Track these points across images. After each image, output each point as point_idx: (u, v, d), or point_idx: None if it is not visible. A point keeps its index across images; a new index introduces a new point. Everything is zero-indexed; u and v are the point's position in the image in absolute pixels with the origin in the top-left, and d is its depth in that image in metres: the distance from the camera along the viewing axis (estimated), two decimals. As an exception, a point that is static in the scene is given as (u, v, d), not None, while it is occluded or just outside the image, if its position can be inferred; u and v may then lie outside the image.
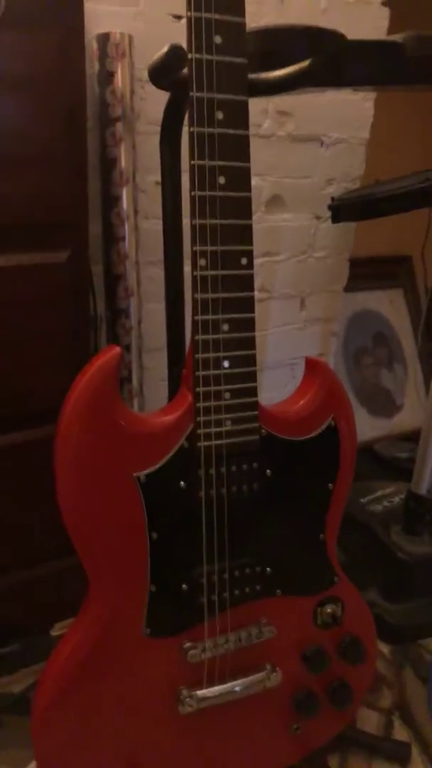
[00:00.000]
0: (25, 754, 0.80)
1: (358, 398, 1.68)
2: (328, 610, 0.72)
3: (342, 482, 0.70)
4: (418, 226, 1.63)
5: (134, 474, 0.60)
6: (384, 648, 1.03)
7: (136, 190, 1.03)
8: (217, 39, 0.55)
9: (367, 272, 1.67)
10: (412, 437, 1.67)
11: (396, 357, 1.77)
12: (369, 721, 0.90)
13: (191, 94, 0.55)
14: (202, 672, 0.66)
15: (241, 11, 0.56)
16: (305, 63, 0.58)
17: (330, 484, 0.70)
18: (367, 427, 1.66)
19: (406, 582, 1.09)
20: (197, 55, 0.55)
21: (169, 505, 0.62)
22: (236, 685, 0.67)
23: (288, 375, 1.45)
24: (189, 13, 0.55)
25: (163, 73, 0.65)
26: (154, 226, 1.07)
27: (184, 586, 0.64)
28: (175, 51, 0.62)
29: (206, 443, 0.62)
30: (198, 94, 0.56)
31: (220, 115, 0.56)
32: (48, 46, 0.73)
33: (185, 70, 0.55)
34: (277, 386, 1.42)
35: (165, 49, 0.63)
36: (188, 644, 0.65)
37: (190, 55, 0.55)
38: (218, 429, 0.62)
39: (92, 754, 0.65)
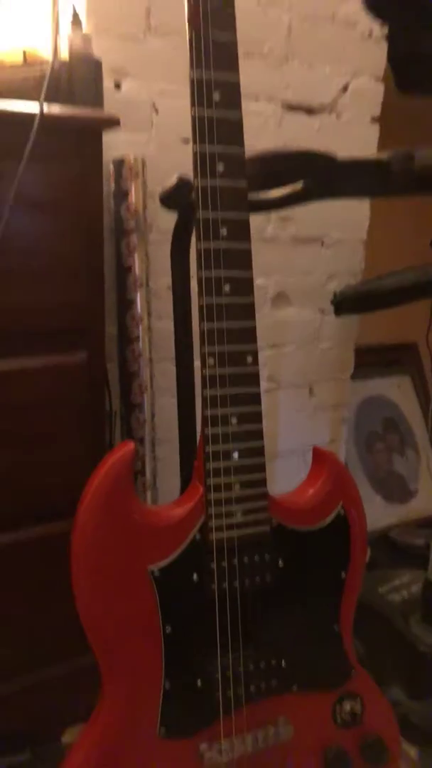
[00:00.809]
0: None
1: (372, 484, 1.68)
2: (347, 708, 0.70)
3: (354, 570, 0.71)
4: (421, 314, 1.70)
5: (148, 567, 0.61)
6: (410, 750, 0.98)
7: (149, 293, 1.10)
8: (220, 167, 0.62)
9: (374, 359, 1.73)
10: (428, 523, 1.66)
11: (407, 442, 1.78)
12: None
13: (198, 214, 0.62)
14: (220, 776, 0.64)
15: (240, 142, 0.63)
16: (299, 184, 0.65)
17: (342, 573, 0.70)
18: (381, 513, 1.65)
19: (430, 677, 1.05)
20: (203, 182, 0.62)
21: (182, 599, 0.63)
22: (255, 790, 0.65)
23: (301, 463, 1.46)
24: (195, 147, 0.62)
25: (172, 199, 0.72)
26: (166, 325, 1.14)
27: (198, 682, 0.64)
28: (182, 181, 0.69)
29: (218, 535, 0.64)
30: (204, 215, 0.62)
31: (224, 232, 0.63)
32: (70, 173, 0.82)
33: (192, 196, 0.62)
34: (290, 475, 1.43)
35: (173, 180, 0.70)
36: (205, 746, 0.64)
37: (195, 182, 0.62)
38: (229, 521, 0.64)
39: None
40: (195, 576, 0.63)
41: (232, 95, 0.61)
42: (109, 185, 1.05)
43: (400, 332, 1.81)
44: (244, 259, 0.64)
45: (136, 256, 1.05)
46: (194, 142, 0.62)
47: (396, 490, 1.71)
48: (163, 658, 0.62)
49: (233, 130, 0.63)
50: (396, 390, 1.81)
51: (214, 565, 0.63)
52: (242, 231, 0.64)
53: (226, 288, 0.63)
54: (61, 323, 0.84)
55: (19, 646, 0.91)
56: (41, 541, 0.88)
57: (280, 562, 0.67)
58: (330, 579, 0.70)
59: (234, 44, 0.61)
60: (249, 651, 0.65)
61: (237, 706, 0.65)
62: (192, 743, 0.64)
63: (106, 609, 0.61)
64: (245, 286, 0.64)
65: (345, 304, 1.24)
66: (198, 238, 0.63)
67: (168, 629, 0.62)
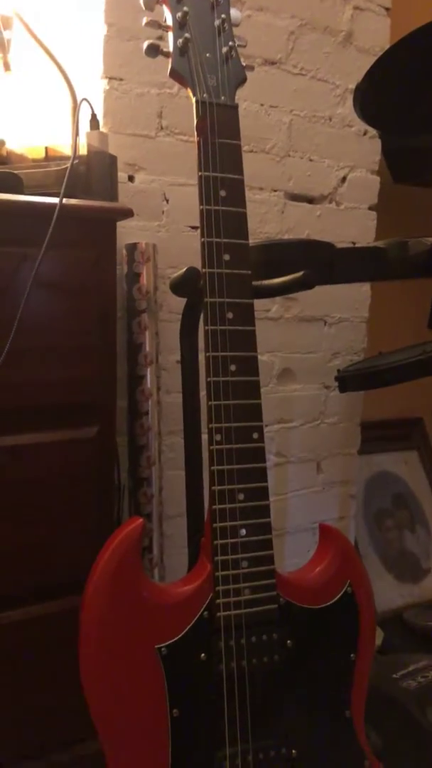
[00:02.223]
0: None
1: (384, 563, 1.65)
2: (361, 802, 0.67)
3: (364, 652, 0.69)
4: (426, 389, 1.72)
5: (156, 646, 0.61)
6: None
7: (159, 369, 1.14)
8: (226, 257, 0.67)
9: (380, 435, 1.74)
10: (442, 603, 1.61)
11: (418, 518, 1.76)
12: None
13: (205, 299, 0.66)
14: None
15: (244, 235, 0.68)
16: (299, 273, 0.69)
17: (352, 654, 0.69)
18: (395, 593, 1.61)
19: (450, 772, 1.00)
20: (210, 270, 0.66)
21: (189, 679, 0.62)
22: None
23: (310, 540, 1.45)
24: (203, 239, 0.67)
25: (182, 288, 0.77)
26: (175, 399, 1.17)
27: (206, 772, 0.61)
28: (190, 272, 0.74)
29: (225, 613, 0.63)
30: (211, 300, 0.66)
31: (230, 315, 0.66)
32: (86, 259, 0.87)
33: (200, 283, 0.66)
34: (300, 552, 1.41)
35: (182, 271, 0.75)
36: None
37: (203, 270, 0.66)
38: (237, 598, 0.64)
39: None
40: (202, 655, 0.62)
41: (237, 192, 0.67)
42: (122, 268, 1.11)
43: (405, 407, 1.83)
44: (249, 341, 0.67)
45: (147, 334, 1.09)
46: (202, 234, 0.67)
47: (408, 568, 1.68)
48: (170, 746, 0.60)
49: (238, 224, 0.68)
50: (404, 465, 1.81)
51: (222, 644, 0.63)
52: (247, 314, 0.67)
53: (233, 367, 0.66)
54: (75, 398, 0.86)
55: (22, 730, 0.88)
56: (46, 619, 0.87)
57: (289, 642, 0.66)
58: (339, 660, 0.69)
59: (238, 148, 0.67)
60: (258, 738, 0.63)
61: (246, 799, 0.62)
62: None
63: (113, 687, 0.60)
64: (250, 366, 0.67)
65: (349, 381, 1.27)
66: (206, 321, 0.66)
67: (175, 712, 0.61)
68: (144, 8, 0.69)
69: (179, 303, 0.97)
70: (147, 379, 1.10)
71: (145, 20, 0.69)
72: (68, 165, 0.85)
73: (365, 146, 1.41)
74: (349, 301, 1.44)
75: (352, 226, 1.42)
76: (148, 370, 1.10)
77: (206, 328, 0.66)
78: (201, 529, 0.98)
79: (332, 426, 1.47)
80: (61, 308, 0.85)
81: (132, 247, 1.11)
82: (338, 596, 0.69)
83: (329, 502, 1.49)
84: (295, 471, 1.43)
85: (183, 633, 0.62)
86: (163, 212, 1.19)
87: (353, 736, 0.68)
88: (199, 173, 0.66)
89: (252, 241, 0.70)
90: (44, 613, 0.86)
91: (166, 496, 1.16)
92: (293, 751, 0.65)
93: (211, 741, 0.62)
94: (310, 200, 1.37)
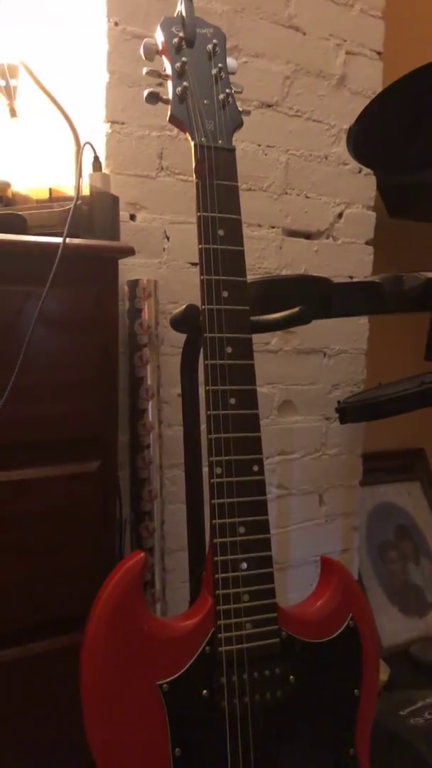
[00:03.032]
0: None
1: (388, 596, 1.63)
2: None
3: (368, 687, 0.69)
4: (427, 420, 1.73)
5: (157, 682, 0.60)
6: None
7: (160, 402, 1.15)
8: (225, 293, 0.69)
9: (382, 466, 1.74)
10: (449, 637, 1.59)
11: (422, 550, 1.74)
12: None
13: (205, 335, 0.67)
14: None
15: (242, 273, 0.70)
16: (296, 309, 0.71)
17: (356, 690, 0.68)
18: (400, 627, 1.59)
19: None
20: (209, 307, 0.68)
21: (192, 717, 0.61)
22: None
23: (313, 573, 1.43)
24: (202, 276, 0.69)
25: (182, 324, 0.78)
26: (176, 432, 1.17)
27: None
28: (190, 309, 0.76)
29: (227, 648, 0.63)
30: (210, 335, 0.67)
31: (229, 350, 0.68)
32: (89, 296, 0.89)
33: (200, 319, 0.68)
34: (303, 585, 1.40)
35: (182, 308, 0.77)
36: None
37: (203, 307, 0.68)
38: (239, 633, 0.64)
39: None
40: (204, 692, 0.62)
41: (235, 231, 0.69)
42: (124, 304, 1.13)
43: (407, 438, 1.83)
44: (248, 374, 0.69)
45: (148, 368, 1.11)
46: (201, 272, 0.69)
47: (413, 601, 1.65)
48: (171, 786, 0.59)
49: (236, 262, 0.70)
50: (407, 497, 1.80)
51: (224, 680, 0.62)
52: (246, 349, 0.69)
53: (232, 401, 0.67)
54: (77, 433, 0.87)
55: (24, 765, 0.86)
56: (47, 657, 0.86)
57: (291, 677, 0.65)
58: (343, 696, 0.68)
59: (235, 189, 0.70)
60: (261, 777, 0.62)
61: None
62: None
63: (114, 723, 0.59)
64: (250, 399, 0.68)
65: (350, 412, 1.28)
66: (205, 356, 0.68)
67: (177, 752, 0.60)
68: (144, 58, 0.72)
69: (180, 337, 0.98)
70: (149, 412, 1.11)
71: (145, 70, 0.72)
72: (71, 205, 0.87)
73: (360, 183, 1.44)
74: (347, 333, 1.46)
75: (349, 260, 1.45)
76: (150, 403, 1.11)
77: (206, 362, 0.67)
78: (202, 563, 0.97)
79: (334, 457, 1.47)
80: (64, 344, 0.87)
81: (134, 284, 1.13)
82: (340, 630, 0.68)
83: (332, 535, 1.49)
84: (297, 503, 1.43)
85: (185, 669, 0.61)
86: (164, 249, 1.22)
87: (359, 776, 0.67)
88: (198, 214, 0.68)
89: (250, 276, 0.72)
90: (45, 650, 0.85)
91: (167, 530, 1.16)
92: (298, 791, 0.63)
93: (214, 782, 0.61)
94: (308, 236, 1.40)
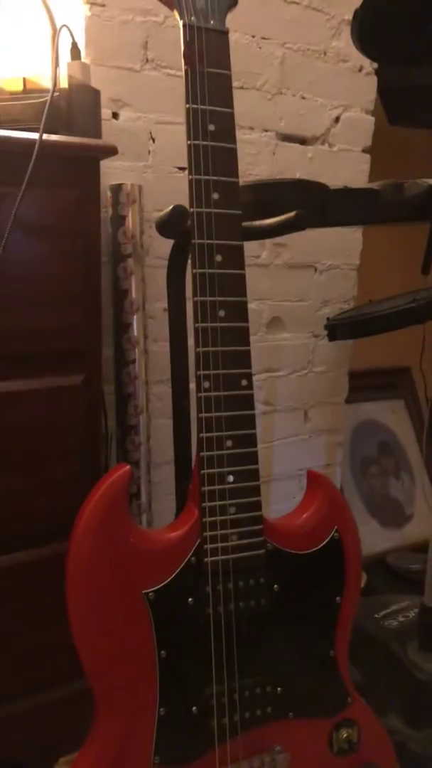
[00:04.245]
0: None
1: (368, 509, 1.68)
2: (344, 735, 0.69)
3: (349, 595, 0.70)
4: (414, 339, 1.72)
5: (143, 591, 0.61)
6: (409, 780, 0.97)
7: (146, 316, 1.12)
8: (215, 195, 0.64)
9: (367, 384, 1.74)
10: (424, 548, 1.65)
11: (403, 466, 1.78)
12: None
13: (193, 241, 0.63)
14: (214, 807, 0.63)
15: (234, 173, 0.65)
16: (292, 213, 0.66)
17: (338, 598, 0.70)
18: (378, 538, 1.65)
19: (428, 705, 1.04)
20: (198, 209, 0.63)
21: (177, 623, 0.62)
22: None
23: (296, 486, 1.46)
24: (190, 176, 0.64)
25: (168, 227, 0.74)
26: (162, 348, 1.15)
27: (194, 708, 0.63)
28: (177, 210, 0.71)
29: (213, 558, 0.64)
30: (199, 241, 0.63)
31: (218, 258, 0.64)
32: (68, 199, 0.83)
33: (188, 223, 0.63)
34: (286, 498, 1.43)
35: (169, 208, 0.72)
36: (199, 775, 0.63)
37: (191, 210, 0.63)
38: (224, 544, 0.64)
39: None
40: (190, 600, 0.63)
41: (227, 127, 0.63)
42: (107, 211, 1.07)
43: (393, 357, 1.83)
44: (239, 285, 0.65)
45: (132, 280, 1.07)
46: (190, 171, 0.64)
47: (392, 514, 1.71)
48: (157, 684, 0.62)
49: (228, 161, 0.65)
50: (390, 414, 1.82)
51: (209, 589, 0.63)
52: (236, 257, 0.65)
53: (221, 313, 0.64)
54: (59, 346, 0.84)
55: (11, 672, 0.89)
56: (33, 565, 0.87)
57: (276, 587, 0.66)
58: (325, 604, 0.70)
59: (228, 79, 0.63)
60: (245, 677, 0.64)
61: (232, 734, 0.64)
62: (186, 772, 0.63)
63: (101, 632, 0.60)
64: (240, 311, 0.65)
65: (338, 329, 1.26)
66: (193, 264, 0.64)
67: (163, 654, 0.62)
68: None
69: (166, 248, 0.93)
70: (133, 326, 1.08)
71: None
72: (48, 97, 0.80)
73: (360, 84, 1.35)
74: (339, 248, 1.41)
75: (345, 169, 1.37)
76: (135, 317, 1.08)
77: (194, 271, 0.63)
78: (189, 477, 0.98)
79: (320, 375, 1.46)
80: (43, 252, 0.82)
81: (117, 189, 1.06)
82: (325, 542, 0.69)
83: (315, 450, 1.50)
84: (282, 419, 1.43)
85: (170, 578, 0.62)
86: (149, 152, 1.14)
87: (337, 674, 0.70)
88: (187, 105, 0.62)
89: (241, 182, 0.67)
90: (31, 560, 0.86)
91: (153, 445, 1.16)
92: (278, 688, 0.66)
93: (198, 680, 0.63)
94: (302, 141, 1.32)
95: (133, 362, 1.08)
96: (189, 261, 0.67)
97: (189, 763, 0.63)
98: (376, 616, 1.22)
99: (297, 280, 1.37)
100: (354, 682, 0.72)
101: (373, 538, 1.64)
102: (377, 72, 1.28)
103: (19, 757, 0.94)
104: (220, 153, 0.64)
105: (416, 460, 1.81)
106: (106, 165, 1.04)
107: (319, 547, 0.69)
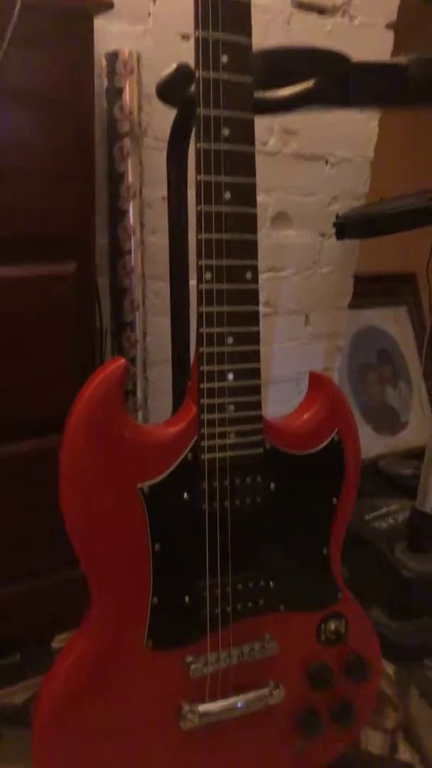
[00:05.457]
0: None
1: (363, 415, 1.68)
2: (332, 627, 0.71)
3: (346, 497, 0.70)
4: (422, 244, 1.64)
5: (138, 485, 0.60)
6: (388, 667, 1.02)
7: (143, 204, 1.04)
8: (224, 58, 0.56)
9: (371, 289, 1.68)
10: (416, 455, 1.67)
11: (401, 374, 1.77)
12: (373, 741, 0.89)
13: (198, 111, 0.56)
14: (205, 687, 0.66)
15: (247, 32, 0.57)
16: (310, 83, 0.59)
17: (334, 499, 0.69)
18: (372, 443, 1.66)
19: (410, 600, 1.08)
20: (204, 74, 0.56)
21: (172, 517, 0.62)
22: (238, 700, 0.67)
23: (293, 389, 1.45)
24: (196, 33, 0.56)
25: (171, 90, 0.66)
26: (160, 240, 1.08)
27: (186, 598, 0.64)
28: (182, 69, 0.63)
29: (210, 456, 0.62)
30: (204, 111, 0.56)
31: (226, 132, 0.57)
32: (58, 62, 0.74)
33: (192, 88, 0.56)
34: (282, 400, 1.42)
35: (172, 67, 0.64)
36: (190, 658, 0.65)
37: (197, 73, 0.56)
38: (222, 441, 0.62)
39: (92, 769, 0.65)
40: (185, 495, 0.62)
41: (242, -29, 0.55)
42: (101, 82, 0.97)
43: (399, 262, 1.76)
44: (248, 164, 0.59)
45: (129, 161, 0.98)
46: (196, 27, 0.56)
47: (387, 421, 1.71)
48: (151, 575, 0.62)
49: (240, 17, 0.56)
50: (392, 321, 1.78)
51: (205, 485, 0.62)
52: (246, 132, 0.58)
53: (227, 195, 0.59)
54: (48, 229, 0.78)
55: (9, 556, 0.91)
56: (30, 455, 0.86)
57: (272, 486, 0.66)
58: (321, 504, 0.69)
59: None
60: (238, 571, 0.65)
61: (224, 624, 0.65)
62: (178, 655, 0.65)
63: (95, 524, 0.60)
64: (247, 195, 0.60)
65: (348, 227, 1.19)
66: (198, 138, 0.57)
67: (157, 547, 0.61)
68: None
69: (166, 127, 0.85)
70: (129, 214, 1.01)
71: None
72: None
73: None
74: (353, 138, 1.31)
75: (366, 45, 1.24)
76: (131, 204, 1.00)
77: (198, 146, 0.57)
78: (186, 375, 0.95)
79: (324, 277, 1.41)
80: (30, 123, 0.74)
81: (113, 57, 0.96)
82: (325, 444, 0.68)
83: (315, 354, 1.48)
84: (283, 322, 1.39)
85: (166, 473, 0.61)
86: (149, 14, 1.02)
87: (329, 572, 0.71)
88: None
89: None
90: (23, 451, 0.85)
91: (150, 343, 1.13)
92: (270, 582, 0.67)
93: (191, 573, 0.63)
94: (321, 11, 1.18)
95: (128, 253, 1.02)
96: (193, 137, 0.60)
97: (180, 647, 0.65)
98: (366, 517, 1.25)
99: (306, 173, 1.28)
100: (342, 578, 0.73)
101: (367, 443, 1.65)
102: None
103: (17, 635, 0.99)
104: (231, 7, 0.56)
105: (415, 369, 1.79)
106: (101, 29, 0.93)
107: (319, 448, 0.68)
